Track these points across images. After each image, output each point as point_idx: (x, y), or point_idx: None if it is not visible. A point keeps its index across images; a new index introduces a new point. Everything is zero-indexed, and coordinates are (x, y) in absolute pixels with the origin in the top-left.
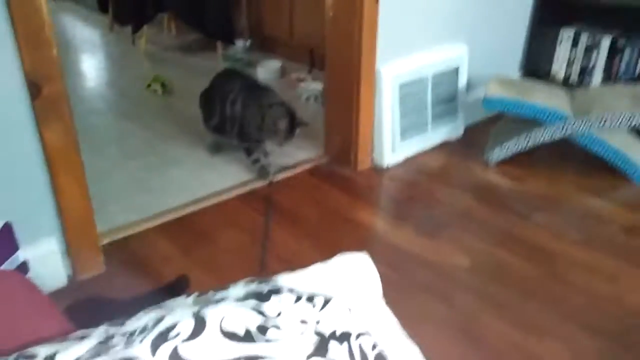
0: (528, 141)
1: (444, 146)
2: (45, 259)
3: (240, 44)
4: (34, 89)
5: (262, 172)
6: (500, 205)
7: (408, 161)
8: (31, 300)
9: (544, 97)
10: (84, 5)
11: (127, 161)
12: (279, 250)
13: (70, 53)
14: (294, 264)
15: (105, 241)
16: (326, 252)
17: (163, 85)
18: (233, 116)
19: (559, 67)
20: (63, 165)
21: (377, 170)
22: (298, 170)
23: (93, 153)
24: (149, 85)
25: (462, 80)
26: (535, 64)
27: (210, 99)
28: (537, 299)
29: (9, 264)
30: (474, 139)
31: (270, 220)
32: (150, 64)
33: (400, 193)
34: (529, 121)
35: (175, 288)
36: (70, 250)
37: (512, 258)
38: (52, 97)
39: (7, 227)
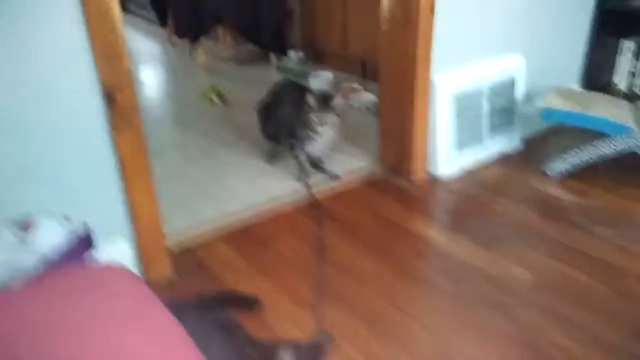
0: (590, 154)
1: (500, 158)
2: (118, 262)
3: (293, 55)
4: (109, 98)
5: (300, 171)
6: (561, 219)
7: (464, 173)
8: (140, 294)
9: (606, 109)
10: (145, 18)
11: (187, 168)
12: (338, 259)
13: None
14: (352, 274)
15: (170, 245)
16: (383, 262)
17: (219, 95)
18: (284, 119)
19: (620, 79)
20: (134, 170)
21: (433, 181)
22: (353, 179)
23: (154, 160)
24: (205, 95)
25: (519, 92)
26: (596, 76)
27: (266, 108)
28: (604, 315)
29: (89, 263)
30: (531, 152)
31: (323, 227)
32: (207, 75)
33: (456, 204)
34: (590, 133)
35: (245, 302)
36: (141, 252)
37: (575, 272)
38: (124, 105)
39: (86, 227)
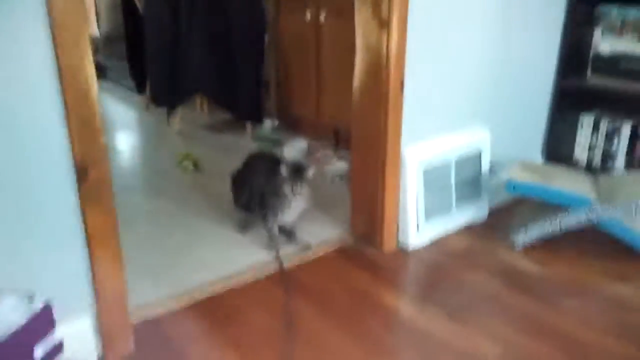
0: (553, 226)
1: (468, 228)
2: (78, 339)
3: (268, 123)
4: (82, 173)
5: (271, 241)
6: (528, 291)
7: (433, 243)
8: None
9: (567, 183)
10: (122, 85)
11: (157, 237)
12: (306, 331)
13: (106, 132)
14: (320, 347)
15: (135, 320)
16: (352, 335)
17: (194, 163)
18: (257, 189)
19: (580, 152)
20: (101, 245)
21: (403, 252)
22: (324, 249)
23: (123, 229)
24: (180, 163)
25: (486, 164)
26: (558, 149)
27: (239, 178)
28: None
29: (45, 344)
30: (499, 222)
31: (292, 299)
32: (182, 142)
33: (426, 276)
34: (554, 206)
35: None
36: (102, 329)
37: (544, 347)
38: (97, 180)
39: (47, 306)
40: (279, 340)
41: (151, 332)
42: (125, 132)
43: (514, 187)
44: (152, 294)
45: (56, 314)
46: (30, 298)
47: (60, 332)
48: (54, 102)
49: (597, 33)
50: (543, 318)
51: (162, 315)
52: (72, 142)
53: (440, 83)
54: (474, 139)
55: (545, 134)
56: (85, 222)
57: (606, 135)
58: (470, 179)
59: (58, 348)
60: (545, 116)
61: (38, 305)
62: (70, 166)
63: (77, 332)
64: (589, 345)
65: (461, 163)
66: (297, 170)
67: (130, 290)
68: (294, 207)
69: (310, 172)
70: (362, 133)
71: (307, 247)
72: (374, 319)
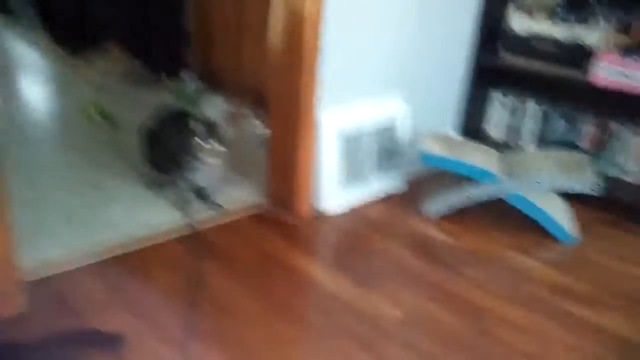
0: (463, 198)
1: (385, 198)
2: None
3: (187, 78)
4: None
5: (182, 201)
6: (435, 260)
7: (348, 211)
8: None
9: (476, 157)
10: (25, 22)
11: (61, 194)
12: (214, 295)
13: (6, 75)
14: (228, 311)
15: (30, 278)
16: (261, 298)
17: (102, 113)
18: (168, 147)
19: (492, 129)
20: None
21: (318, 218)
22: (238, 212)
23: (25, 183)
24: (86, 111)
25: (403, 134)
26: (471, 124)
27: (150, 134)
28: (465, 354)
29: None
30: (415, 192)
31: (201, 261)
32: (92, 92)
33: (338, 242)
34: (466, 179)
35: (106, 341)
36: None
37: (443, 312)
38: None
39: None
40: (183, 303)
41: (46, 291)
42: (28, 76)
43: (428, 159)
44: (51, 252)
45: None
46: None
47: None
48: None
49: (510, 11)
50: (446, 286)
51: (61, 275)
52: None
53: (360, 51)
54: (392, 109)
55: (460, 108)
56: None
57: (515, 113)
58: (388, 148)
59: None
60: (460, 91)
61: None
62: None
63: None
64: (485, 310)
65: (379, 132)
66: (212, 129)
67: (28, 247)
68: (208, 168)
69: (227, 132)
70: (279, 94)
71: (219, 209)
72: (283, 282)
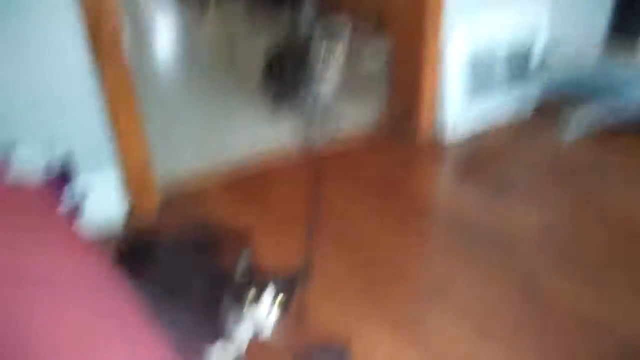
0: (606, 116)
1: (515, 117)
2: (103, 193)
3: (307, 3)
4: (93, 27)
5: (303, 121)
6: (570, 179)
7: (476, 130)
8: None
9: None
10: None
11: (191, 113)
12: (334, 210)
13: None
14: (349, 224)
15: (162, 186)
16: (381, 215)
17: (232, 42)
18: (290, 66)
19: None
20: (119, 101)
21: (440, 139)
22: (358, 131)
23: (159, 103)
24: (216, 43)
25: (540, 47)
26: (625, 27)
27: (273, 57)
28: (614, 272)
29: (67, 193)
30: (549, 112)
31: (321, 178)
32: (220, 24)
33: (463, 161)
34: (610, 96)
35: (233, 239)
36: (128, 186)
37: (584, 230)
38: (109, 33)
39: (67, 156)
40: (304, 216)
41: (177, 200)
42: (161, 14)
43: (568, 77)
44: (181, 164)
45: (79, 167)
46: (50, 147)
47: (84, 183)
48: None
49: None
50: (588, 204)
51: (190, 186)
52: None
53: None
54: (529, 19)
55: (613, 9)
56: (101, 77)
57: None
58: (522, 64)
59: (79, 199)
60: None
61: (58, 153)
62: (81, 21)
63: (101, 186)
64: (633, 219)
65: (513, 46)
66: (332, 49)
67: (160, 159)
68: (328, 88)
69: (347, 53)
70: (403, 7)
71: (339, 128)
72: (404, 200)
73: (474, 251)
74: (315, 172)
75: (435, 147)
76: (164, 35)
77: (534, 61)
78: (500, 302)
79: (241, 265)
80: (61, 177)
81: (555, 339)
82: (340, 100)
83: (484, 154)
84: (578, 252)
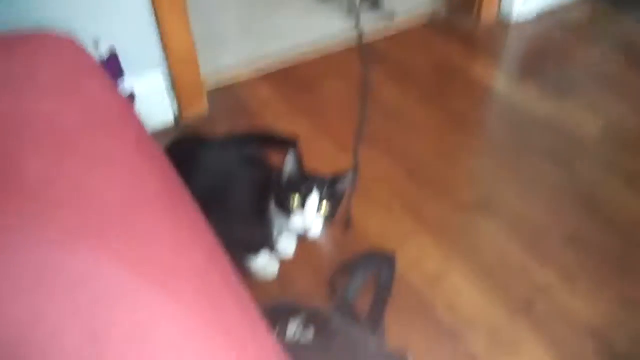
0: None
1: None
2: (151, 94)
3: None
4: None
5: (352, 6)
6: None
7: (544, 13)
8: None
9: None
10: None
11: (234, 5)
12: (386, 103)
13: None
14: (399, 119)
15: (209, 83)
16: (435, 108)
17: None
18: None
19: None
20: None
21: (505, 22)
22: (412, 19)
23: None
24: None
25: None
26: None
27: None
28: None
29: (120, 86)
30: None
31: (370, 69)
32: None
33: (528, 49)
34: None
35: (282, 142)
36: (175, 87)
37: None
38: None
39: (113, 52)
40: (354, 110)
41: (225, 96)
42: None
43: None
44: (225, 60)
45: (126, 67)
46: (96, 43)
47: (133, 85)
48: None
49: None
50: None
51: (237, 82)
52: None
53: None
54: None
55: None
56: None
57: None
58: None
59: (130, 98)
60: None
61: (103, 49)
62: None
63: (150, 88)
64: None
65: None
66: None
67: (205, 55)
68: None
69: None
70: None
71: (391, 15)
72: (461, 93)
73: (528, 156)
74: (367, 63)
75: (498, 31)
76: None
77: None
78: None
79: (287, 169)
80: (110, 72)
81: (611, 256)
82: None
83: (550, 40)
84: (635, 160)
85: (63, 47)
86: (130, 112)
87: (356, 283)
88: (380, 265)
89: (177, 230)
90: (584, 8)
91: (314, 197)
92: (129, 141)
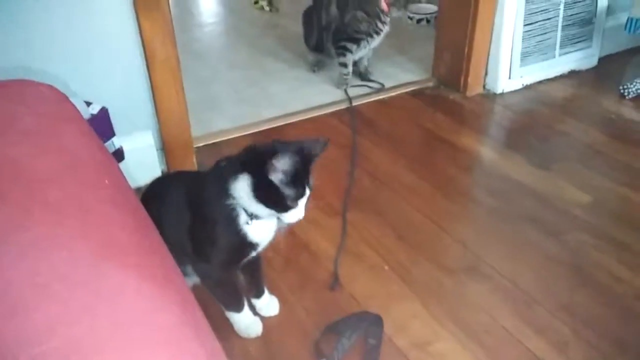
0: None
1: (572, 75)
2: (140, 152)
3: None
4: None
5: (340, 79)
6: (630, 142)
7: (527, 89)
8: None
9: None
10: None
11: (228, 73)
12: (374, 169)
13: None
14: (387, 183)
15: (199, 144)
16: (423, 175)
17: (270, 2)
18: (328, 22)
19: None
20: (159, 57)
21: (490, 97)
22: (401, 91)
23: (196, 62)
24: (256, 2)
25: (602, 1)
26: None
27: (310, 16)
28: None
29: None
30: (608, 70)
31: (355, 133)
32: None
33: (513, 121)
34: None
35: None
36: (165, 146)
37: (637, 196)
38: None
39: (104, 111)
40: (342, 175)
41: (214, 151)
42: None
43: (635, 26)
44: (217, 123)
45: (118, 126)
46: (88, 104)
47: (123, 143)
48: None
49: None
50: None
51: (225, 143)
52: None
53: None
54: None
55: None
56: (141, 31)
57: None
58: (582, 18)
59: (118, 154)
60: None
61: (96, 108)
62: None
63: (139, 145)
64: None
65: None
66: (375, 6)
67: (197, 118)
68: (371, 44)
69: (392, 11)
70: None
71: (380, 87)
72: (448, 160)
73: (517, 224)
74: (354, 129)
75: (483, 104)
76: None
77: (595, 12)
78: (544, 280)
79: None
80: (100, 130)
81: (607, 328)
82: (384, 61)
83: (534, 114)
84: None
85: (43, 94)
86: (108, 161)
87: (344, 345)
88: (367, 327)
89: (146, 286)
90: (568, 82)
91: (307, 191)
92: (104, 191)
